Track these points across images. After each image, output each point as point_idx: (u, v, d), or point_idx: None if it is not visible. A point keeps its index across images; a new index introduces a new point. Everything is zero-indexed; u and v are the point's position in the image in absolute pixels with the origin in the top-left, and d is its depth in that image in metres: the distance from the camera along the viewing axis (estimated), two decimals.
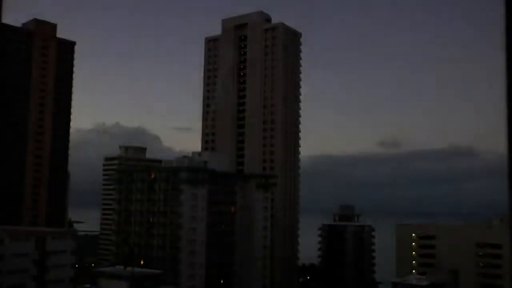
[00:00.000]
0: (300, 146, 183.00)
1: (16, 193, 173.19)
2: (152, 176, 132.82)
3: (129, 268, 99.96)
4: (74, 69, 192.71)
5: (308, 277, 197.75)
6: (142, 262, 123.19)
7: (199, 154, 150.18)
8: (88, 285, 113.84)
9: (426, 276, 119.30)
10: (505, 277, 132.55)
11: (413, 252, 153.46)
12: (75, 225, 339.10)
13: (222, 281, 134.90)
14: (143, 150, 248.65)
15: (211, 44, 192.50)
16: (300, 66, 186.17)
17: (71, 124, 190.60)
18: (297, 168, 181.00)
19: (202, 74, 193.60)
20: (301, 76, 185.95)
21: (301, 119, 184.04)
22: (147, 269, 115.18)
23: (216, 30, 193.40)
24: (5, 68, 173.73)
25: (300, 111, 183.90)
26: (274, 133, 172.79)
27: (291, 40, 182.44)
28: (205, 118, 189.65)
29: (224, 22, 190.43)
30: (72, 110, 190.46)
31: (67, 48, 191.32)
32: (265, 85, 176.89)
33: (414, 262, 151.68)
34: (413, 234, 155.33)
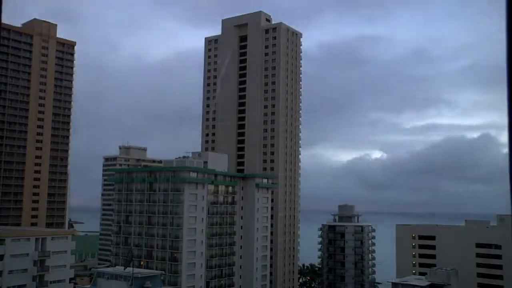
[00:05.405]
0: (300, 146, 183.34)
1: (16, 193, 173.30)
2: (152, 176, 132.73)
3: (129, 268, 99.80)
4: (74, 69, 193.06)
5: (308, 277, 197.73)
6: (142, 263, 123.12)
7: (199, 154, 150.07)
8: (88, 285, 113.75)
9: (426, 276, 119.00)
10: (505, 277, 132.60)
11: (413, 252, 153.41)
12: (75, 225, 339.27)
13: (222, 282, 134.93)
14: (143, 150, 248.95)
15: (211, 44, 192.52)
16: (301, 66, 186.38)
17: (71, 124, 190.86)
18: (298, 168, 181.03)
19: (202, 74, 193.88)
20: (301, 76, 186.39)
21: (301, 119, 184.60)
22: (147, 269, 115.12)
23: (216, 30, 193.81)
24: (5, 68, 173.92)
25: (301, 111, 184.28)
26: (274, 133, 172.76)
27: (291, 40, 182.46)
28: (205, 118, 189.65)
29: (224, 22, 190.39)
30: (72, 110, 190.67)
31: (67, 48, 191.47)
32: (265, 85, 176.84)
33: (414, 262, 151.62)
34: (413, 234, 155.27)
